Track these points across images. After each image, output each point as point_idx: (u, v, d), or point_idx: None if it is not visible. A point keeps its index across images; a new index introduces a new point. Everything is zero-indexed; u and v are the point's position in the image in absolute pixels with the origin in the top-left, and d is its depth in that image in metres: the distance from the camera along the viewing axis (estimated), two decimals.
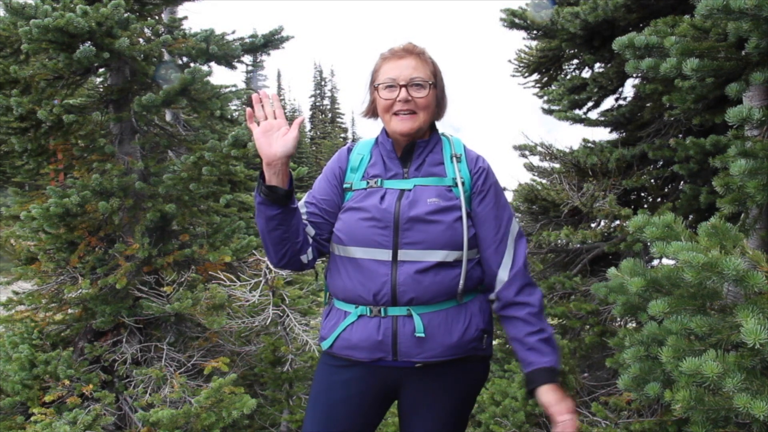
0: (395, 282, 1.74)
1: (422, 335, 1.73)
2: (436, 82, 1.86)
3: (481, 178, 1.85)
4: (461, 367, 1.82)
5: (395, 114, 1.81)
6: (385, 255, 1.75)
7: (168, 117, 5.72)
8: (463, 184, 1.82)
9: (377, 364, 1.79)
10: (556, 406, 1.72)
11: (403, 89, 1.79)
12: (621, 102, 4.79)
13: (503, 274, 1.81)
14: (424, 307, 1.75)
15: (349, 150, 1.96)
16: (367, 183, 1.85)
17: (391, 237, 1.75)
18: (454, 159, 1.86)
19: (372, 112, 1.93)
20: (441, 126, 1.96)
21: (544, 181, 5.04)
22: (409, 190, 1.81)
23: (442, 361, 1.77)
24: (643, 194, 4.64)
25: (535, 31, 4.79)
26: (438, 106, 1.89)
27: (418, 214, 1.76)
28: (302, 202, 1.90)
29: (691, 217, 3.94)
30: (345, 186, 1.89)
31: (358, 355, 1.80)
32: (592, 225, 4.56)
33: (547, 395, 1.73)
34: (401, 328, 1.75)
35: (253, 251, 4.77)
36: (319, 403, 1.88)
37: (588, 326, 4.17)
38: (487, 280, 1.84)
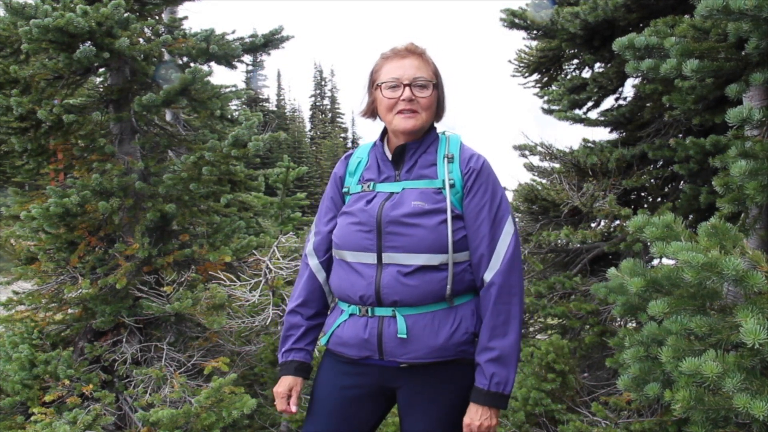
0: (379, 284, 1.75)
1: (404, 336, 1.74)
2: (438, 83, 1.86)
3: (471, 178, 1.82)
4: (452, 370, 1.80)
5: (398, 112, 1.82)
6: (371, 258, 1.78)
7: (168, 117, 5.71)
8: (453, 185, 1.80)
9: (366, 363, 1.83)
10: (468, 424, 1.77)
11: (407, 88, 1.80)
12: (621, 102, 4.79)
13: (487, 276, 1.77)
14: (409, 308, 1.75)
15: (348, 156, 2.01)
16: (362, 187, 1.88)
17: (375, 240, 1.78)
18: (446, 159, 1.84)
19: (371, 112, 1.93)
20: (442, 124, 1.97)
21: (544, 181, 5.04)
22: (397, 193, 1.82)
23: (429, 362, 1.76)
24: (643, 194, 4.64)
25: (535, 31, 4.79)
26: (438, 107, 1.90)
27: (397, 216, 1.77)
28: (312, 233, 2.01)
29: (691, 217, 3.95)
30: (344, 190, 1.94)
31: (348, 352, 1.84)
32: (592, 225, 4.56)
33: (469, 411, 1.77)
34: (386, 328, 1.76)
35: (253, 251, 4.77)
36: (318, 395, 1.94)
37: (588, 326, 4.17)
38: (477, 281, 1.81)
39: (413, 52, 1.84)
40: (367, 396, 1.87)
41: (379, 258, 1.77)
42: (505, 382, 1.74)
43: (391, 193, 1.83)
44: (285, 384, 1.92)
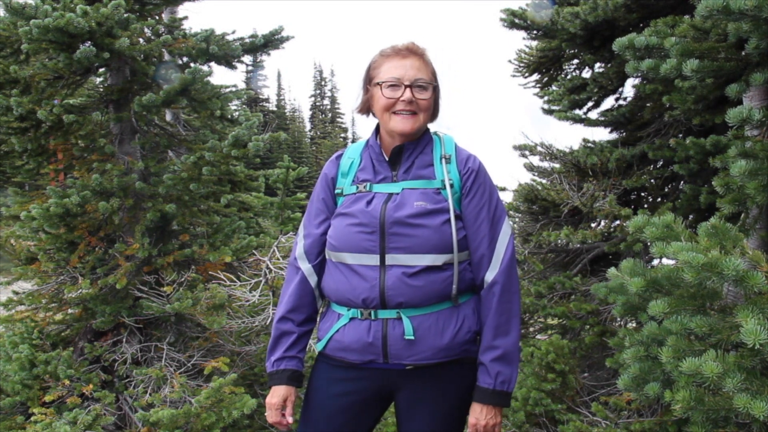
0: (383, 286, 1.73)
1: (411, 338, 1.73)
2: (436, 85, 1.85)
3: (470, 179, 1.83)
4: (454, 370, 1.81)
5: (395, 113, 1.80)
6: (373, 260, 1.75)
7: (168, 117, 5.71)
8: (452, 185, 1.80)
9: (369, 366, 1.80)
10: (474, 423, 1.78)
11: (408, 89, 1.78)
12: (621, 102, 4.79)
13: (489, 276, 1.79)
14: (414, 309, 1.74)
15: (339, 156, 1.97)
16: (357, 188, 1.85)
17: (378, 242, 1.75)
18: (443, 160, 1.84)
19: (366, 109, 1.92)
20: (434, 124, 1.95)
21: (544, 181, 5.04)
22: (397, 194, 1.80)
23: (434, 363, 1.76)
24: (643, 194, 4.64)
25: (535, 31, 4.79)
26: (434, 108, 1.89)
27: (402, 217, 1.75)
28: (300, 236, 1.95)
29: (691, 217, 3.95)
30: (336, 191, 1.90)
31: (350, 357, 1.80)
32: (592, 225, 4.56)
33: (474, 411, 1.78)
34: (391, 330, 1.74)
35: (253, 251, 4.77)
36: (313, 402, 1.90)
37: (588, 326, 4.17)
38: (476, 280, 1.83)
39: (414, 52, 1.83)
40: (364, 401, 1.86)
41: (382, 259, 1.74)
42: (509, 380, 1.76)
43: (391, 194, 1.80)
44: (279, 394, 1.84)
